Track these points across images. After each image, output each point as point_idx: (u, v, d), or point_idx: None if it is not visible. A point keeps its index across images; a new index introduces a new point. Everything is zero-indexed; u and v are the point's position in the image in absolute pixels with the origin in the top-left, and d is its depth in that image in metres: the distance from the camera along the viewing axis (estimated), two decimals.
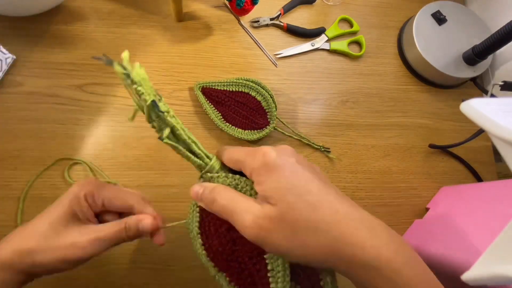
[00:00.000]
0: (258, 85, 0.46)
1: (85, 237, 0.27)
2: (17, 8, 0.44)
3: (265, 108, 0.46)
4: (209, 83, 0.47)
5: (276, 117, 0.46)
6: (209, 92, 0.46)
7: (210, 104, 0.46)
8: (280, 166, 0.23)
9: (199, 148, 0.27)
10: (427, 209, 0.48)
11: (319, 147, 0.49)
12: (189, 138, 0.27)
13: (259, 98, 0.46)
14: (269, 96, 0.45)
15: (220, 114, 0.46)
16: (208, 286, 0.41)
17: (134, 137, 0.45)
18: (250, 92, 0.46)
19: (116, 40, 0.48)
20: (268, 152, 0.24)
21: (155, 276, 0.41)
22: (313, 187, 0.23)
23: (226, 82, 0.46)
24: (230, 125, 0.46)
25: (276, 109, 0.46)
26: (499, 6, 0.55)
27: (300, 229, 0.22)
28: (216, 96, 0.46)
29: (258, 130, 0.46)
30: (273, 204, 0.22)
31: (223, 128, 0.45)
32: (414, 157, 0.51)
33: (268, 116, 0.46)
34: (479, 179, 0.51)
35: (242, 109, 0.46)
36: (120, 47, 0.48)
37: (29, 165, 0.42)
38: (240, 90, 0.46)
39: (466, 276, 0.26)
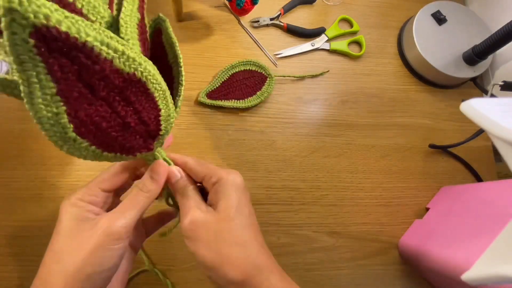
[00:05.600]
0: (242, 62, 0.50)
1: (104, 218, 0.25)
2: None
3: (258, 70, 0.50)
4: (209, 86, 0.48)
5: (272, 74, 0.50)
6: (215, 93, 0.48)
7: (223, 101, 0.48)
8: (242, 194, 0.28)
9: None
10: (427, 209, 0.48)
11: (320, 74, 0.52)
12: None
13: (249, 68, 0.50)
14: (255, 61, 0.50)
15: (235, 100, 0.48)
16: (208, 287, 0.42)
17: None
18: (241, 68, 0.49)
19: None
20: (239, 176, 0.29)
21: (155, 276, 0.41)
22: (254, 219, 0.28)
23: (220, 75, 0.49)
24: (246, 99, 0.48)
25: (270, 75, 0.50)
26: (499, 6, 0.55)
27: (228, 241, 0.26)
28: (221, 91, 0.48)
29: (264, 87, 0.49)
30: (216, 212, 0.27)
31: (242, 107, 0.48)
32: (414, 157, 0.51)
33: (264, 73, 0.50)
34: (479, 179, 0.51)
35: (245, 82, 0.49)
36: None
37: (29, 165, 0.42)
38: (233, 72, 0.49)
39: (466, 276, 0.26)
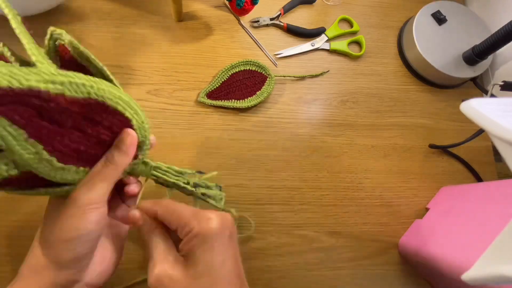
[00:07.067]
0: (242, 62, 0.50)
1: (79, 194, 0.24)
2: (17, 8, 0.44)
3: (258, 70, 0.50)
4: (209, 86, 0.48)
5: (272, 74, 0.50)
6: (215, 93, 0.48)
7: (223, 101, 0.48)
8: (215, 241, 0.25)
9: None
10: (427, 209, 0.48)
11: (320, 74, 0.52)
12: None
13: (249, 68, 0.50)
14: (255, 61, 0.50)
15: (235, 100, 0.48)
16: None
17: None
18: (241, 68, 0.49)
19: (116, 40, 0.48)
20: (213, 219, 0.26)
21: None
22: (224, 268, 0.25)
23: (220, 75, 0.48)
24: (246, 99, 0.48)
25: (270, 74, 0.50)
26: (499, 6, 0.55)
27: None
28: (221, 91, 0.48)
29: (264, 87, 0.49)
30: (186, 265, 0.25)
31: (242, 107, 0.48)
32: (414, 157, 0.51)
33: (264, 73, 0.50)
34: (479, 179, 0.51)
35: (245, 82, 0.49)
36: (120, 47, 0.48)
37: None
38: (233, 72, 0.49)
39: (466, 276, 0.26)
